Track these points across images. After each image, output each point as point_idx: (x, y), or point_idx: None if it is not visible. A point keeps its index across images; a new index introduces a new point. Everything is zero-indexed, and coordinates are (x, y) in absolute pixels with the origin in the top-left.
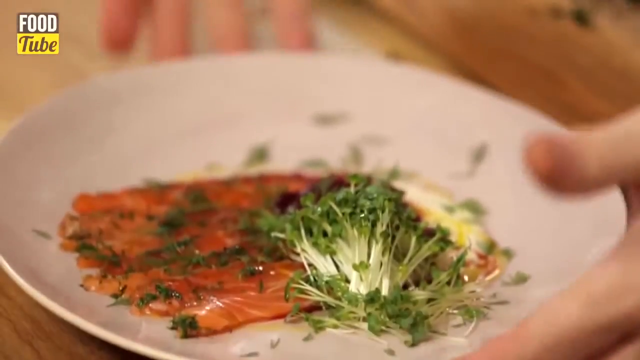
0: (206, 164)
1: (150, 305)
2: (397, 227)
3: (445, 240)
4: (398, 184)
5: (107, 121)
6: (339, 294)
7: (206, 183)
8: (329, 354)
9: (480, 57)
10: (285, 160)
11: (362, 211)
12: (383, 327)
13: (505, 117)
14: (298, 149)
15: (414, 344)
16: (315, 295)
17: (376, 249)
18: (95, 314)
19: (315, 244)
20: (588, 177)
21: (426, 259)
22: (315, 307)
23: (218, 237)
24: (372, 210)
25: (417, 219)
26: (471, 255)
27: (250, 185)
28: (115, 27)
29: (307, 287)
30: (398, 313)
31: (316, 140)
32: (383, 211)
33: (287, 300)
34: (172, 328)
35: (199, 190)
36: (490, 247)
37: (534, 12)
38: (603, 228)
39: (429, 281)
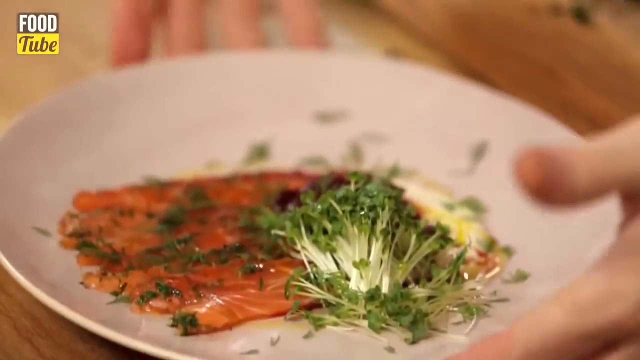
0: (206, 162)
1: (150, 302)
2: (397, 225)
3: (445, 237)
4: (398, 182)
5: (107, 119)
6: (339, 291)
7: (206, 181)
8: (329, 351)
9: (480, 55)
10: (285, 158)
11: (362, 209)
12: (383, 325)
13: (505, 114)
14: (298, 146)
15: (414, 342)
16: (316, 293)
17: (376, 246)
18: (95, 312)
19: (315, 242)
20: (578, 190)
21: (426, 257)
22: (315, 305)
23: (218, 234)
24: (372, 208)
25: (417, 216)
26: (471, 253)
27: (250, 182)
28: (126, 45)
29: (307, 284)
30: (398, 310)
31: (316, 137)
32: (383, 209)
33: (287, 297)
34: (172, 325)
35: (199, 188)
36: (490, 244)
37: (534, 9)
38: (603, 226)
39: (429, 279)
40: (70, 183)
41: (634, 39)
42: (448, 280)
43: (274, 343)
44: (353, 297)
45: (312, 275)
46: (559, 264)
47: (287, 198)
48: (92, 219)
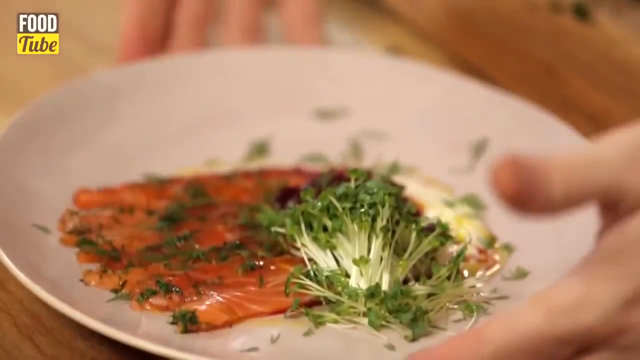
0: (206, 159)
1: (150, 300)
2: (397, 222)
3: (445, 235)
4: (398, 179)
5: (107, 116)
6: (339, 288)
7: (206, 178)
8: (329, 349)
9: (480, 52)
10: (285, 155)
11: (362, 206)
12: (383, 322)
13: (505, 111)
14: (298, 143)
15: (414, 339)
16: (316, 290)
17: (376, 243)
18: (95, 309)
19: (315, 239)
20: (554, 199)
21: (426, 254)
22: (315, 302)
23: (218, 231)
24: (372, 205)
25: (417, 213)
26: (471, 250)
27: (250, 180)
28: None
29: (307, 282)
30: (398, 308)
31: (316, 134)
32: (383, 206)
33: (287, 295)
34: (172, 323)
35: (199, 185)
36: (491, 242)
37: (534, 6)
38: None
39: (429, 276)
40: (70, 180)
41: (634, 36)
42: (448, 278)
43: (274, 340)
44: (353, 295)
45: (312, 273)
46: (558, 261)
47: (287, 195)
48: (92, 216)
